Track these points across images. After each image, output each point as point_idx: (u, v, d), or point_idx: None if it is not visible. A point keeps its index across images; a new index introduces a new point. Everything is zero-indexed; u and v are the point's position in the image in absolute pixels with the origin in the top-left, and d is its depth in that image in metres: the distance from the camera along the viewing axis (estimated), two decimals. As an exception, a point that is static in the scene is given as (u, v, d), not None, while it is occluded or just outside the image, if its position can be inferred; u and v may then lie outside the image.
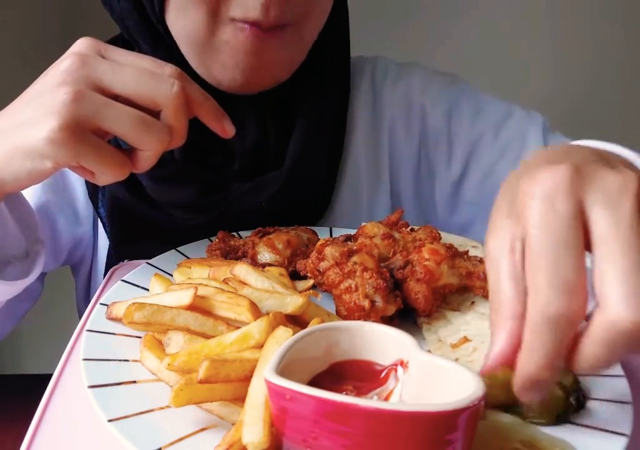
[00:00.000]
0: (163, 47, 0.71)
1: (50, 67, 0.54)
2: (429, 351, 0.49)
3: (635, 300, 0.31)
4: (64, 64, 0.52)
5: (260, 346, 0.41)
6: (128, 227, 0.77)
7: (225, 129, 0.58)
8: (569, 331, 0.33)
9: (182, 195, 0.74)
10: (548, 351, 0.33)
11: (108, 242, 0.80)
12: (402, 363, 0.39)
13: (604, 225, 0.33)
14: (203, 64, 0.69)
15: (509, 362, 0.35)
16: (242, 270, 0.52)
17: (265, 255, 0.61)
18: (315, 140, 0.77)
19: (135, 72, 0.52)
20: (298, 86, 0.76)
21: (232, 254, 0.63)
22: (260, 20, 0.62)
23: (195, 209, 0.74)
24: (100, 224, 0.81)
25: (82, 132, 0.49)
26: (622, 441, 0.39)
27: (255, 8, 0.61)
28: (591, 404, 0.43)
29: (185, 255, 0.64)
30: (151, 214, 0.75)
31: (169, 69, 0.53)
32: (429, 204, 0.89)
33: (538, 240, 0.34)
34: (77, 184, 0.82)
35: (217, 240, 0.66)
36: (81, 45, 0.54)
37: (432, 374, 0.37)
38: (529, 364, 0.34)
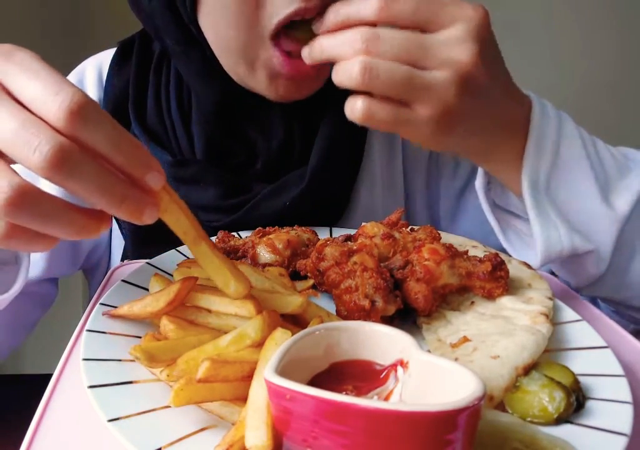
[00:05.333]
0: (196, 47, 0.70)
1: None
2: (429, 351, 0.49)
3: None
4: None
5: (256, 345, 0.42)
6: (149, 229, 0.76)
7: (149, 183, 0.41)
8: None
9: (204, 197, 0.74)
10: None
11: (122, 244, 0.80)
12: (402, 363, 0.39)
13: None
14: (236, 73, 0.68)
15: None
16: (242, 270, 0.52)
17: (265, 255, 0.61)
18: (340, 141, 0.77)
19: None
20: (325, 87, 0.76)
21: (232, 254, 0.63)
22: (304, 8, 0.58)
23: (218, 210, 0.74)
24: (115, 227, 0.81)
25: None
26: (622, 441, 0.39)
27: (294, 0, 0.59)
28: (591, 404, 0.43)
29: (185, 256, 0.64)
30: None
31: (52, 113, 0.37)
32: (435, 209, 0.90)
33: None
34: None
35: (217, 240, 0.65)
36: None
37: (432, 374, 0.37)
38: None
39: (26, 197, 0.38)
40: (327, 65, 0.65)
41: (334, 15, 0.53)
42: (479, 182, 0.68)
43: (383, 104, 0.52)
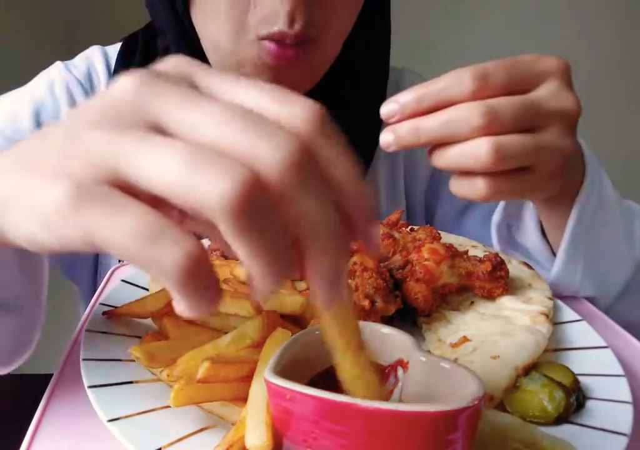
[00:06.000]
0: (187, 41, 0.70)
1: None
2: (429, 351, 0.49)
3: None
4: (114, 89, 0.29)
5: (256, 345, 0.42)
6: None
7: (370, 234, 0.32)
8: None
9: None
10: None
11: None
12: (402, 363, 0.39)
13: None
14: (222, 68, 0.68)
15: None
16: (242, 270, 0.52)
17: (265, 255, 0.61)
18: (353, 150, 0.76)
19: (225, 118, 0.26)
20: (331, 95, 0.75)
21: (232, 254, 0.63)
22: (284, 32, 0.61)
23: None
24: None
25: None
26: (622, 441, 0.39)
27: (280, 18, 0.60)
28: (591, 404, 0.43)
29: (185, 256, 0.64)
30: None
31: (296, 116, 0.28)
32: (434, 223, 0.90)
33: None
34: None
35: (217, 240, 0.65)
36: (164, 64, 0.31)
37: (432, 374, 0.37)
38: None
39: (259, 192, 0.25)
40: (312, 62, 0.66)
41: (411, 99, 0.47)
42: (496, 218, 0.67)
43: (504, 178, 0.48)
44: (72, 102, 0.79)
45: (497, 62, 0.47)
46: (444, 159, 0.48)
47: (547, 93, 0.48)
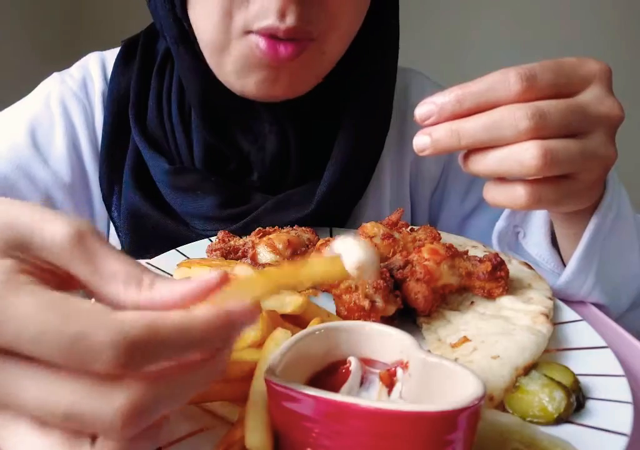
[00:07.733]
0: (186, 42, 0.69)
1: None
2: (429, 351, 0.49)
3: None
4: None
5: (257, 345, 0.42)
6: (143, 236, 0.75)
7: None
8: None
9: (202, 206, 0.73)
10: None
11: (118, 244, 0.79)
12: (402, 363, 0.39)
13: None
14: (217, 66, 0.67)
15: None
16: (242, 270, 0.52)
17: (265, 255, 0.61)
18: (357, 162, 0.74)
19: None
20: (333, 98, 0.74)
21: (232, 254, 0.63)
22: (276, 27, 0.57)
23: (216, 220, 0.73)
24: (112, 227, 0.80)
25: None
26: (622, 441, 0.39)
27: (270, 13, 0.57)
28: (591, 404, 0.43)
29: (185, 256, 0.64)
30: (168, 224, 0.74)
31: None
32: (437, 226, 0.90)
33: None
34: (94, 185, 0.80)
35: (217, 240, 0.65)
36: None
37: (432, 374, 0.37)
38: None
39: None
40: (312, 62, 0.63)
41: (451, 99, 0.45)
42: (501, 225, 0.66)
43: (547, 184, 0.46)
44: (67, 115, 0.79)
45: (542, 63, 0.45)
46: (484, 163, 0.46)
47: (593, 97, 0.47)
